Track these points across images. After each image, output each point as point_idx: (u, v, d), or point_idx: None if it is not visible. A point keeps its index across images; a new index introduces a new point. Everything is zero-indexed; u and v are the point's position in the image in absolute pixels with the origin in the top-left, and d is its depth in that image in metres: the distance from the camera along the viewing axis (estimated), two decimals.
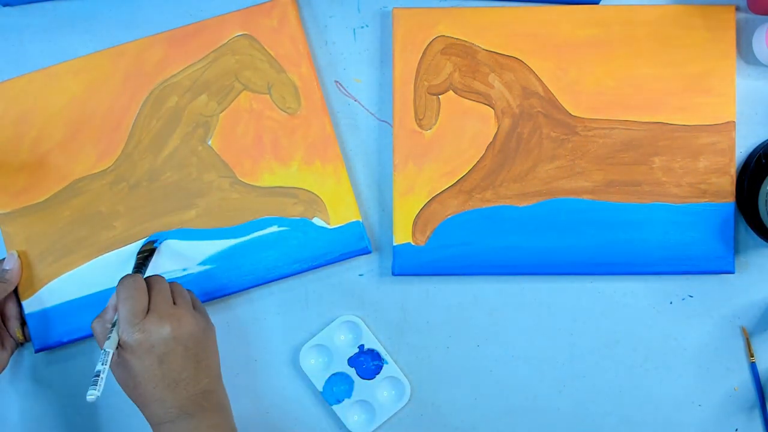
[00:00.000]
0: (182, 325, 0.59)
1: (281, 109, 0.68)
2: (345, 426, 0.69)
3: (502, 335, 0.70)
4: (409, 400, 0.69)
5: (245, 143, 0.68)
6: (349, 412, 0.69)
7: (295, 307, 0.70)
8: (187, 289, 0.65)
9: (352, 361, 0.69)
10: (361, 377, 0.69)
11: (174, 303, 0.61)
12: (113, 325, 0.59)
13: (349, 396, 0.69)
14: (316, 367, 0.70)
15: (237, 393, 0.68)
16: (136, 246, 0.68)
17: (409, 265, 0.68)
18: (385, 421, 0.69)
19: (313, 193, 0.68)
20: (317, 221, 0.68)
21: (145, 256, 0.67)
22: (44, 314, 0.68)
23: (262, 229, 0.68)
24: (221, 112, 0.68)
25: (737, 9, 0.68)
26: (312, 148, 0.68)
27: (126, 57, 0.68)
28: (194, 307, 0.63)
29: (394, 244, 0.68)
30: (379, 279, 0.70)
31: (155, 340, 0.58)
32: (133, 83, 0.68)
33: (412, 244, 0.68)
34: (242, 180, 0.68)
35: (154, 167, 0.68)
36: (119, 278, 0.62)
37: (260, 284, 0.69)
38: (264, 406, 0.71)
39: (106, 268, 0.68)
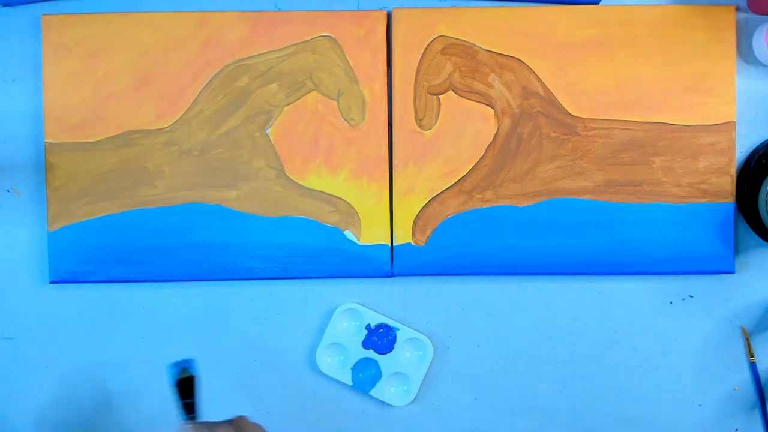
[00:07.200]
0: None
1: (344, 119, 0.68)
2: (388, 404, 0.69)
3: (502, 335, 0.70)
4: (434, 354, 0.69)
5: (301, 141, 0.69)
6: (386, 390, 0.69)
7: (296, 306, 0.70)
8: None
9: (366, 344, 0.69)
10: (382, 354, 0.69)
11: None
12: None
13: (379, 377, 0.69)
14: (335, 364, 0.70)
15: (237, 393, 0.68)
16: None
17: (409, 265, 0.68)
18: (422, 382, 0.69)
19: (352, 206, 0.69)
20: (348, 234, 0.69)
21: (186, 391, 0.57)
22: (67, 250, 0.68)
23: (294, 227, 0.69)
24: (287, 105, 0.69)
25: (737, 9, 0.68)
26: (363, 164, 0.68)
27: (208, 25, 0.68)
28: None
29: (394, 244, 0.68)
30: (379, 279, 0.70)
31: None
32: (210, 53, 0.68)
33: (412, 244, 0.68)
34: (289, 175, 0.69)
35: (209, 140, 0.69)
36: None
37: (280, 278, 0.69)
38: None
39: (138, 222, 0.69)
